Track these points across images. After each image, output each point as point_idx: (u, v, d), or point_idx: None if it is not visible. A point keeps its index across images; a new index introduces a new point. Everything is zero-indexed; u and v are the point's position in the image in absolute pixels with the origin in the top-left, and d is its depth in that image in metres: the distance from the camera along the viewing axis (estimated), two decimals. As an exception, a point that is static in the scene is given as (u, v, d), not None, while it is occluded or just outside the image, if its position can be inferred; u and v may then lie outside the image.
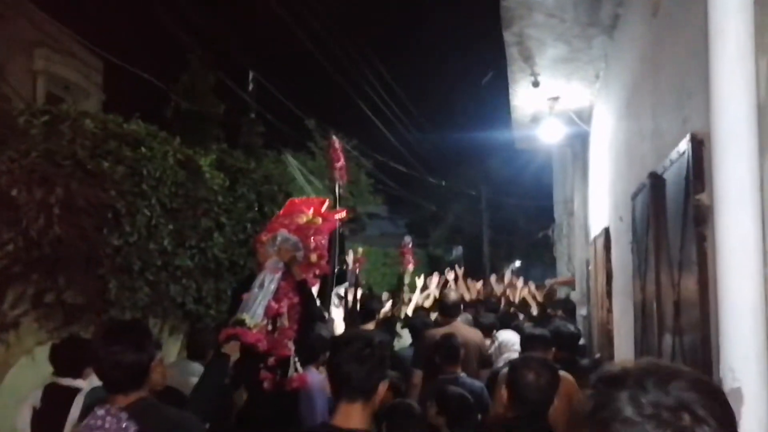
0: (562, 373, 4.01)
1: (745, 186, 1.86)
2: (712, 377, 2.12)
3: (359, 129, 22.06)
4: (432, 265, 22.48)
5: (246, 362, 3.98)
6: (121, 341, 2.63)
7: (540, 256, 25.27)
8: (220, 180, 7.59)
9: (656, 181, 3.24)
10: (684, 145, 2.66)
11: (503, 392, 2.87)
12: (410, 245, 11.16)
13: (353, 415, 2.35)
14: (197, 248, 7.10)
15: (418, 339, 6.14)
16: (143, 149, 6.17)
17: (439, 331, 5.68)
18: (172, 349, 6.88)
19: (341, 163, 6.02)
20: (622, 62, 4.97)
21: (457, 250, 30.40)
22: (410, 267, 10.41)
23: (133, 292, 6.16)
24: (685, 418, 1.00)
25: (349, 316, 7.40)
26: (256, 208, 8.32)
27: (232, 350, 3.80)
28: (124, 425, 2.40)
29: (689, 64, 2.74)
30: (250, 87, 13.92)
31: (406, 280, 10.25)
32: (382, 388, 2.42)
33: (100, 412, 2.47)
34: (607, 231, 5.69)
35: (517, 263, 32.98)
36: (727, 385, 1.80)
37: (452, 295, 6.32)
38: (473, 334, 5.90)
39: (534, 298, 10.05)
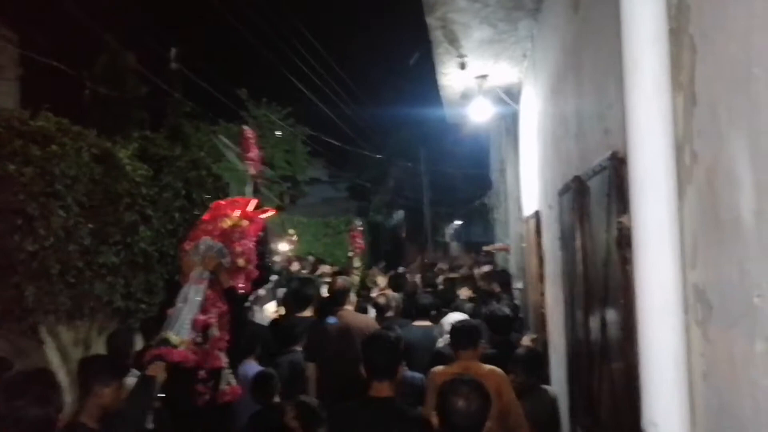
0: (490, 368, 4.01)
1: (664, 231, 1.79)
2: (639, 412, 2.08)
3: (296, 100, 21.69)
4: (373, 232, 22.41)
5: (176, 380, 3.83)
6: (23, 395, 2.43)
7: (481, 215, 25.51)
8: (142, 171, 7.28)
9: (581, 186, 3.19)
10: (606, 161, 2.59)
11: (434, 418, 2.82)
12: (359, 228, 11.15)
13: (383, 389, 3.19)
14: (122, 243, 6.83)
15: (310, 331, 5.64)
16: (54, 146, 5.81)
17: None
18: (102, 351, 6.64)
19: (253, 153, 5.75)
20: (547, 46, 4.89)
21: (398, 215, 30.38)
22: (358, 251, 10.42)
23: (53, 296, 5.89)
24: None
25: (285, 304, 7.27)
26: (183, 194, 8.05)
27: (157, 371, 3.63)
28: None
29: (608, 70, 2.66)
30: (173, 65, 13.27)
31: (356, 263, 10.16)
32: (401, 368, 3.35)
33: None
34: (538, 214, 5.68)
35: (458, 223, 33.25)
36: (650, 439, 1.77)
37: (339, 282, 5.94)
38: (361, 322, 5.54)
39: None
